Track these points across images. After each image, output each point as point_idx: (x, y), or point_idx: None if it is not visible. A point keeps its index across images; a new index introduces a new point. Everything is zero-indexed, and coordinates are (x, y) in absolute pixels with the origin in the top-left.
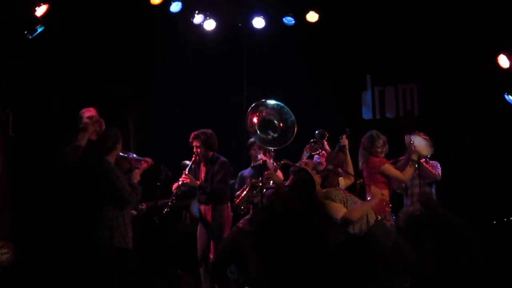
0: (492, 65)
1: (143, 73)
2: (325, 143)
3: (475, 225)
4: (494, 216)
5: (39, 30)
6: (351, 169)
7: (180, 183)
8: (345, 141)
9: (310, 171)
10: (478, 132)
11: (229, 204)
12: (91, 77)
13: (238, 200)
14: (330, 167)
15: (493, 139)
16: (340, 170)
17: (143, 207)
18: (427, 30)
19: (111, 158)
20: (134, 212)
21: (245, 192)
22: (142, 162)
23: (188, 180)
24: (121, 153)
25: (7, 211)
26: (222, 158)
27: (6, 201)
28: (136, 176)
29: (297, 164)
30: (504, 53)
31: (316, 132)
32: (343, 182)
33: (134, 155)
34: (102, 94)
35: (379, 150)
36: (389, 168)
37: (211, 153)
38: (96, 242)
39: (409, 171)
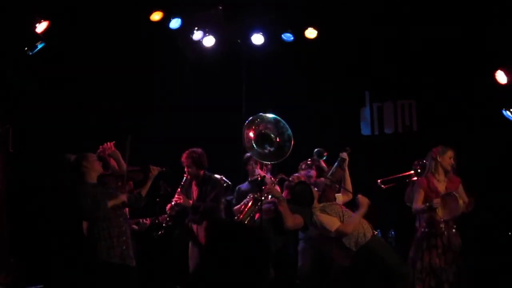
0: (490, 81)
1: (142, 89)
2: (322, 162)
3: (475, 242)
4: (494, 231)
5: (40, 46)
6: (349, 185)
7: (173, 203)
8: (344, 155)
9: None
10: (477, 148)
11: None
12: (90, 94)
13: (241, 216)
14: (328, 181)
15: (492, 155)
16: (337, 186)
17: (146, 221)
18: (426, 46)
19: (89, 178)
20: (135, 227)
21: (248, 207)
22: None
23: (181, 201)
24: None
25: (6, 228)
26: (214, 177)
27: (5, 217)
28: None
29: (290, 178)
30: (502, 69)
31: (315, 150)
32: (341, 198)
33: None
34: (101, 110)
35: None
36: None
37: (202, 171)
38: (83, 255)
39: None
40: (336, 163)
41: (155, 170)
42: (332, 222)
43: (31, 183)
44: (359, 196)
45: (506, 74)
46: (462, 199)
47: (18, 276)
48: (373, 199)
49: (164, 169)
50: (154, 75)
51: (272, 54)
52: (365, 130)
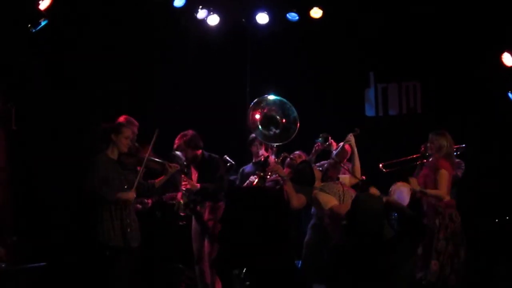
0: (496, 63)
1: (145, 69)
2: (332, 142)
3: (477, 224)
4: (496, 214)
5: (43, 23)
6: (358, 169)
7: (183, 191)
8: (351, 141)
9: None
10: (482, 130)
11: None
12: (93, 72)
13: None
14: (332, 161)
15: (496, 137)
16: (342, 165)
17: (147, 201)
18: (432, 27)
19: (111, 153)
20: (139, 206)
21: (254, 184)
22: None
23: (189, 186)
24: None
25: (9, 205)
26: (214, 156)
27: (8, 195)
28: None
29: (292, 156)
30: (508, 51)
31: (320, 137)
32: (347, 180)
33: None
34: (103, 89)
35: None
36: None
37: (199, 152)
38: (85, 238)
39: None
40: (341, 143)
41: (173, 168)
42: (327, 201)
43: (34, 161)
44: (372, 188)
45: None
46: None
47: (20, 253)
48: (376, 180)
49: (183, 168)
50: (157, 54)
51: (276, 33)
52: (369, 112)
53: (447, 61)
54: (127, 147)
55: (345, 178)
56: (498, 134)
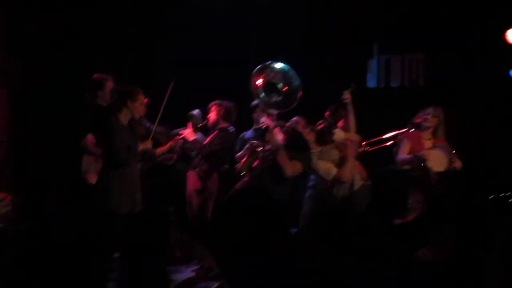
0: (500, 39)
1: (146, 37)
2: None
3: (476, 199)
4: (496, 190)
5: None
6: (352, 125)
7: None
8: (347, 97)
9: (302, 129)
10: (483, 105)
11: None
12: (93, 36)
13: (240, 166)
14: (326, 123)
15: (498, 112)
16: (338, 125)
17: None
18: (436, 1)
19: (123, 118)
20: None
21: (246, 158)
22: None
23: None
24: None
25: (10, 163)
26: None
27: (9, 153)
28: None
29: (288, 123)
30: None
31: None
32: (342, 135)
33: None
34: (103, 57)
35: None
36: None
37: (227, 125)
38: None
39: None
40: (337, 104)
41: (178, 142)
42: (328, 171)
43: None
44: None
45: None
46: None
47: (19, 211)
48: (374, 152)
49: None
50: (159, 22)
51: (280, 1)
52: (371, 83)
53: (451, 35)
54: (139, 114)
55: (338, 132)
56: (500, 109)
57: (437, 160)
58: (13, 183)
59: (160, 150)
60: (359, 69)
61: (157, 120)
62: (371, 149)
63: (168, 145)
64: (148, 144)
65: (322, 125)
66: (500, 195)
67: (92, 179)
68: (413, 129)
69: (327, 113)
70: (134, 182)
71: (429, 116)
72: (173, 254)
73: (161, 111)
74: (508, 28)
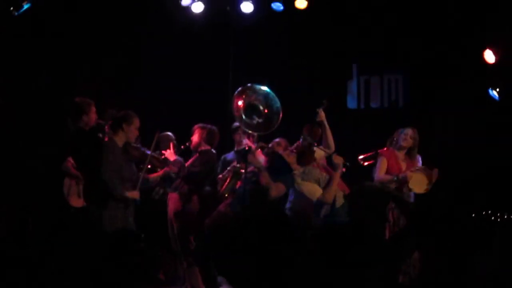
0: (477, 59)
1: (128, 56)
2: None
3: (457, 217)
4: (475, 208)
5: (26, 6)
6: (330, 140)
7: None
8: (321, 115)
9: (283, 151)
10: (462, 124)
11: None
12: (74, 58)
13: (222, 189)
14: (305, 143)
15: (477, 132)
16: (315, 145)
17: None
18: (415, 22)
19: (119, 141)
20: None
21: (228, 180)
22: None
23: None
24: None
25: None
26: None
27: None
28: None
29: (270, 145)
30: (490, 48)
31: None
32: (321, 153)
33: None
34: (86, 77)
35: None
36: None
37: (209, 147)
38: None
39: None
40: (312, 123)
41: (173, 168)
42: (313, 191)
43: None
44: (334, 156)
45: (494, 53)
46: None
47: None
48: (356, 172)
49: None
50: (141, 41)
51: (261, 23)
52: (351, 104)
53: (429, 56)
54: (135, 138)
55: (317, 151)
56: (479, 129)
57: (418, 182)
58: None
59: (153, 176)
60: (338, 89)
61: (152, 146)
62: (366, 164)
63: (162, 172)
64: (135, 195)
65: (301, 144)
66: (482, 214)
67: (74, 201)
68: (387, 146)
69: (304, 132)
70: (129, 206)
71: (408, 136)
72: (157, 276)
73: (148, 159)
74: (486, 47)
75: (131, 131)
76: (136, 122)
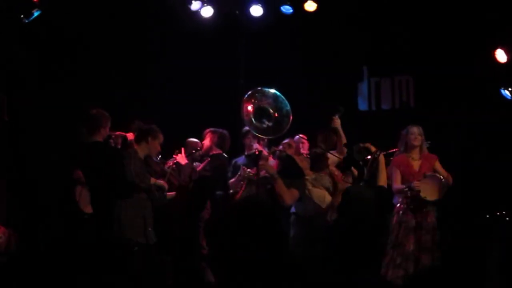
0: (489, 59)
1: (138, 61)
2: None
3: (468, 219)
4: (487, 210)
5: (36, 14)
6: (342, 148)
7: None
8: (336, 122)
9: (295, 155)
10: (474, 125)
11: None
12: (84, 65)
13: (238, 197)
14: (319, 150)
15: (488, 133)
16: (331, 152)
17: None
18: (425, 22)
19: (141, 153)
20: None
21: (243, 188)
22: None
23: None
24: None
25: (3, 197)
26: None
27: (1, 186)
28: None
29: (280, 147)
30: (501, 48)
31: None
32: (334, 158)
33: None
34: (96, 81)
35: None
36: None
37: (220, 151)
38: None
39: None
40: (327, 130)
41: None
42: (322, 198)
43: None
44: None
45: (506, 52)
46: (441, 175)
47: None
48: None
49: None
50: (151, 46)
51: (270, 26)
52: (362, 105)
53: (440, 56)
54: (155, 153)
55: (330, 156)
56: (490, 130)
57: (428, 190)
58: (7, 215)
59: (170, 195)
60: (349, 92)
61: (171, 165)
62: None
63: (175, 193)
64: (163, 183)
65: (315, 152)
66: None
67: (86, 208)
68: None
69: (318, 139)
70: (148, 216)
71: (416, 135)
72: (167, 282)
73: (167, 175)
74: (497, 47)
75: (155, 145)
76: (160, 138)
